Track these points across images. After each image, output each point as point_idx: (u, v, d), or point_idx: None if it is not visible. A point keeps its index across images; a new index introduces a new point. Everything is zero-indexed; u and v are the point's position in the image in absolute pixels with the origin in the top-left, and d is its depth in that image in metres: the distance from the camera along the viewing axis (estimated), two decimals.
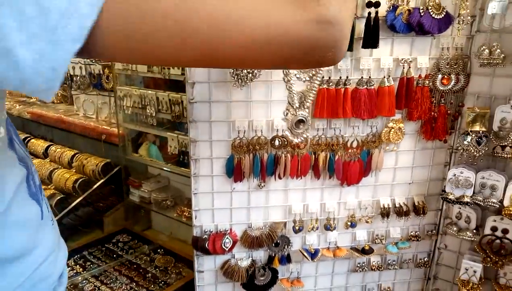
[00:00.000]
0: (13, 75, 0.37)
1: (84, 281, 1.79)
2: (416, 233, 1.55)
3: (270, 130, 1.35)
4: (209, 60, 0.46)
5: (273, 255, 1.50)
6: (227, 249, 1.44)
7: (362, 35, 1.24)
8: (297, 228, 1.46)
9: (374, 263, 1.58)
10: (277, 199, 1.45)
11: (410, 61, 1.30)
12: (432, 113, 1.36)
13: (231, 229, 1.46)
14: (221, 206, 1.43)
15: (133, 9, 0.39)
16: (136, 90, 1.87)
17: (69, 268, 1.92)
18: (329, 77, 1.29)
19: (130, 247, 2.07)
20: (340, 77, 1.30)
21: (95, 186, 2.22)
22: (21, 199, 0.57)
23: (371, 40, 1.23)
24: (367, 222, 1.50)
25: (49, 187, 2.31)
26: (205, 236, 1.44)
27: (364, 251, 1.53)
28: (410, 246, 1.54)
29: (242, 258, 1.50)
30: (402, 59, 1.30)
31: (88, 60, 2.17)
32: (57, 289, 0.67)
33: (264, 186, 1.41)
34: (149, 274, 1.81)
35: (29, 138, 2.87)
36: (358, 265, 1.59)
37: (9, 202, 0.54)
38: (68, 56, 0.38)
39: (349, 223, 1.50)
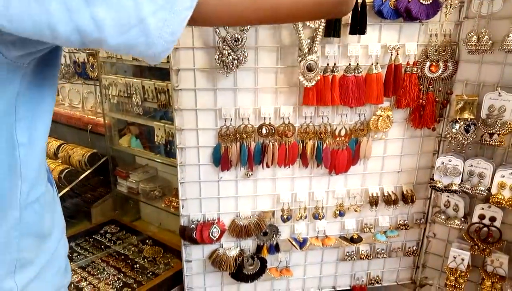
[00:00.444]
0: (143, 40, 0.45)
1: (71, 272, 1.76)
2: (405, 222, 1.55)
3: (257, 118, 1.33)
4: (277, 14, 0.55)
5: (262, 244, 1.49)
6: (215, 239, 1.43)
7: (350, 21, 1.22)
8: (285, 217, 1.45)
9: (363, 252, 1.58)
10: (265, 188, 1.43)
11: (398, 48, 1.29)
12: (421, 101, 1.34)
13: (219, 219, 1.45)
14: (209, 195, 1.41)
15: None
16: (121, 79, 1.83)
17: None
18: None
19: (118, 238, 2.04)
20: (328, 64, 1.28)
21: (81, 177, 2.18)
22: (45, 182, 0.63)
23: (358, 26, 1.21)
24: (355, 210, 1.49)
25: None
26: (193, 225, 1.43)
27: (352, 240, 1.53)
28: (398, 235, 1.54)
29: (230, 247, 1.48)
30: (390, 46, 1.29)
31: (72, 48, 2.12)
32: (67, 267, 0.74)
33: (251, 175, 1.39)
34: (137, 265, 1.79)
35: None
36: (347, 254, 1.58)
37: (46, 184, 0.63)
38: (184, 22, 0.46)
39: (337, 212, 1.50)
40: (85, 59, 2.09)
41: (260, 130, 1.33)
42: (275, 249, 1.50)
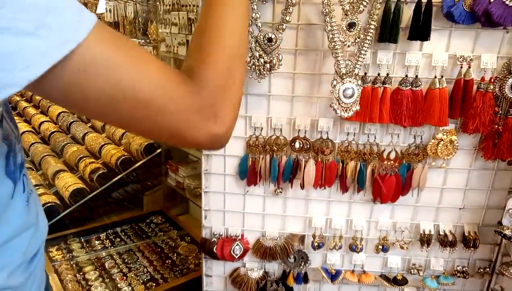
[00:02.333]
0: None
1: (108, 257, 1.80)
2: (464, 269, 1.28)
3: (291, 130, 1.18)
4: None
5: (288, 270, 1.34)
6: (236, 256, 1.32)
7: (410, 23, 1.00)
8: (316, 244, 1.28)
9: None
10: (296, 208, 1.28)
11: (471, 60, 1.03)
12: (496, 126, 1.07)
13: (242, 235, 1.33)
14: (233, 208, 1.30)
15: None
16: None
17: (100, 242, 1.96)
18: (365, 74, 1.08)
19: (160, 230, 2.05)
20: (379, 74, 1.07)
21: (135, 166, 2.23)
22: None
23: (420, 31, 0.99)
24: (402, 247, 1.27)
25: (97, 161, 2.38)
26: (214, 239, 1.33)
27: (396, 281, 1.30)
28: (454, 283, 1.28)
29: (253, 268, 1.36)
30: (461, 56, 1.04)
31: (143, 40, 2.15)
32: (29, 268, 0.66)
33: (281, 192, 1.25)
34: (169, 261, 1.77)
35: None
36: None
37: None
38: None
39: (380, 246, 1.28)
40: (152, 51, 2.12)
41: (293, 144, 1.17)
42: (303, 279, 1.34)
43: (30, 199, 0.67)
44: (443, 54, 1.05)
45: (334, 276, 1.31)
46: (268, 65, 1.08)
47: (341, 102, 1.03)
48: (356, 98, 1.04)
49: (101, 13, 2.92)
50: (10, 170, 0.62)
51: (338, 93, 1.03)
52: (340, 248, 1.29)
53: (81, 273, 1.71)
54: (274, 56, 1.07)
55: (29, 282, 0.67)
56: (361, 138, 1.17)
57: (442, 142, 1.12)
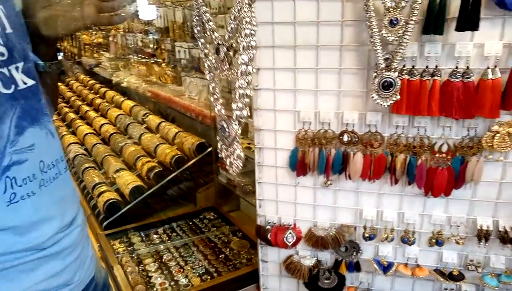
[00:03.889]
0: None
1: (165, 250, 1.92)
2: None
3: (339, 124, 1.21)
4: None
5: (340, 259, 1.37)
6: (289, 244, 1.37)
7: (457, 14, 1.00)
8: (367, 235, 1.30)
9: None
10: (346, 200, 1.30)
11: None
12: None
13: (295, 224, 1.37)
14: (285, 199, 1.35)
15: None
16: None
17: (158, 236, 2.08)
18: (413, 66, 1.08)
19: (213, 225, 2.14)
20: (427, 67, 1.08)
21: (188, 164, 2.34)
22: None
23: (468, 21, 0.98)
24: (457, 242, 1.24)
25: (153, 160, 2.52)
26: (268, 226, 1.39)
27: (452, 277, 1.28)
28: None
29: (306, 256, 1.40)
30: None
31: (192, 44, 2.26)
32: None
33: (331, 184, 1.28)
34: (222, 255, 1.84)
35: (147, 114, 3.18)
36: (445, 290, 1.34)
37: None
38: None
39: (434, 240, 1.27)
40: (199, 54, 2.22)
41: (341, 137, 1.20)
42: (354, 267, 1.36)
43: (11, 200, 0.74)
44: (496, 44, 1.03)
45: (386, 268, 1.31)
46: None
47: (380, 93, 1.06)
48: (395, 89, 1.05)
49: (152, 20, 3.09)
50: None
51: (377, 86, 1.05)
52: (392, 240, 1.29)
53: (142, 265, 1.83)
54: None
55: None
56: (411, 131, 1.17)
57: (498, 134, 1.10)
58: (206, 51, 0.96)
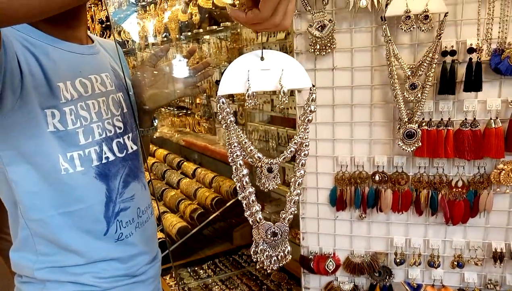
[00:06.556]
0: None
1: (213, 283, 2.13)
2: None
3: (371, 166, 1.47)
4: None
5: (375, 283, 1.58)
6: (330, 271, 1.59)
7: (464, 78, 1.28)
8: (398, 260, 1.52)
9: None
10: (378, 230, 1.54)
11: None
12: None
13: (334, 253, 1.60)
14: (326, 231, 1.59)
15: None
16: (262, 126, 2.18)
17: (203, 271, 2.30)
18: (430, 119, 1.36)
19: (252, 260, 2.35)
20: (442, 119, 1.35)
21: (227, 204, 2.59)
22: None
23: (473, 84, 1.27)
24: (476, 264, 1.46)
25: (193, 202, 2.78)
26: (311, 256, 1.62)
27: None
28: None
29: (344, 281, 1.61)
30: None
31: (228, 100, 2.58)
32: None
33: (365, 217, 1.52)
34: (265, 286, 2.05)
35: (182, 161, 3.47)
36: None
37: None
38: None
39: (455, 263, 1.49)
40: (236, 109, 2.54)
41: (373, 177, 1.46)
42: (388, 290, 1.57)
43: (128, 239, 1.02)
44: (496, 100, 1.31)
45: (415, 289, 1.52)
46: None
47: (404, 141, 1.33)
48: (417, 137, 1.33)
49: None
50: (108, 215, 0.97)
51: (402, 135, 1.33)
52: (419, 264, 1.51)
53: None
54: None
55: None
56: (431, 171, 1.43)
57: (503, 171, 1.35)
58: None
